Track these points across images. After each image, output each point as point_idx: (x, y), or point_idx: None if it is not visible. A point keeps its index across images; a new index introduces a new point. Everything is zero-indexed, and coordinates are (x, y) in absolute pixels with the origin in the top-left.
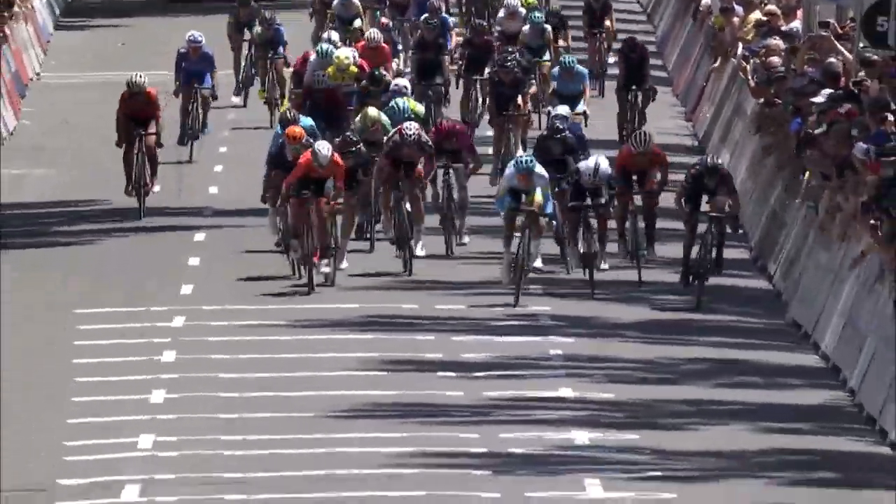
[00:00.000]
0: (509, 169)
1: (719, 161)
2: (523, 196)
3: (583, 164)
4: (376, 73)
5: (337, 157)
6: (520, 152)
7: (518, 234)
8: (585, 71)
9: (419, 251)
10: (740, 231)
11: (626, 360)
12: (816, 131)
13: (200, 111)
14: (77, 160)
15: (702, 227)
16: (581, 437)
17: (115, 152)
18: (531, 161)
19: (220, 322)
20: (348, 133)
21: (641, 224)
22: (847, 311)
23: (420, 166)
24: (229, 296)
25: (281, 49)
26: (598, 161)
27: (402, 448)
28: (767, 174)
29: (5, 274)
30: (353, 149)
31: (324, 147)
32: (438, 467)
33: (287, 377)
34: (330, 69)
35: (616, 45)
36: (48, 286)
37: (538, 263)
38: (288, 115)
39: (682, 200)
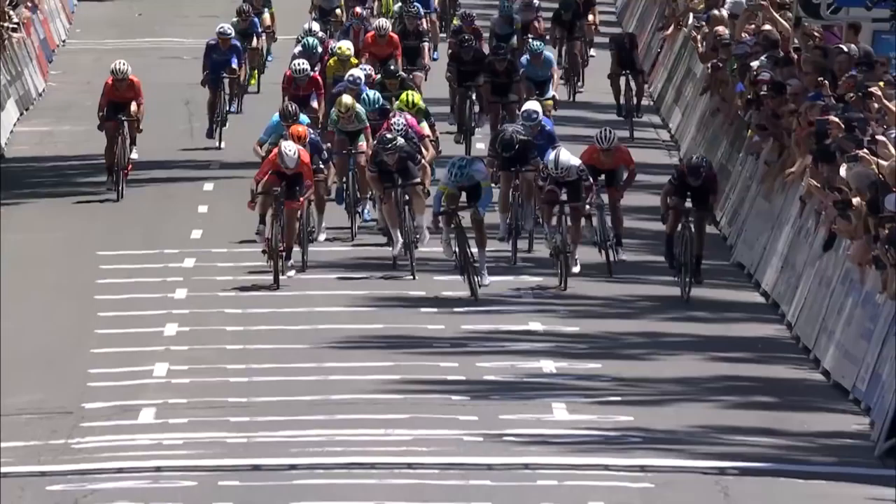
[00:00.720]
0: (446, 174)
1: (703, 160)
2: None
3: (546, 158)
4: (391, 66)
5: (304, 156)
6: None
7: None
8: (553, 57)
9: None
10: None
11: (590, 297)
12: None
13: (226, 96)
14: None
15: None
16: (548, 366)
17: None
18: (465, 163)
19: (227, 263)
20: (383, 132)
21: (608, 218)
22: (785, 254)
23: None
24: (234, 239)
25: (255, 40)
26: (558, 152)
27: (388, 376)
28: (715, 131)
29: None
30: (390, 145)
31: (290, 149)
32: (421, 393)
33: (287, 312)
34: (332, 61)
35: (598, 38)
36: (73, 230)
37: (486, 280)
38: (290, 108)
39: (667, 199)
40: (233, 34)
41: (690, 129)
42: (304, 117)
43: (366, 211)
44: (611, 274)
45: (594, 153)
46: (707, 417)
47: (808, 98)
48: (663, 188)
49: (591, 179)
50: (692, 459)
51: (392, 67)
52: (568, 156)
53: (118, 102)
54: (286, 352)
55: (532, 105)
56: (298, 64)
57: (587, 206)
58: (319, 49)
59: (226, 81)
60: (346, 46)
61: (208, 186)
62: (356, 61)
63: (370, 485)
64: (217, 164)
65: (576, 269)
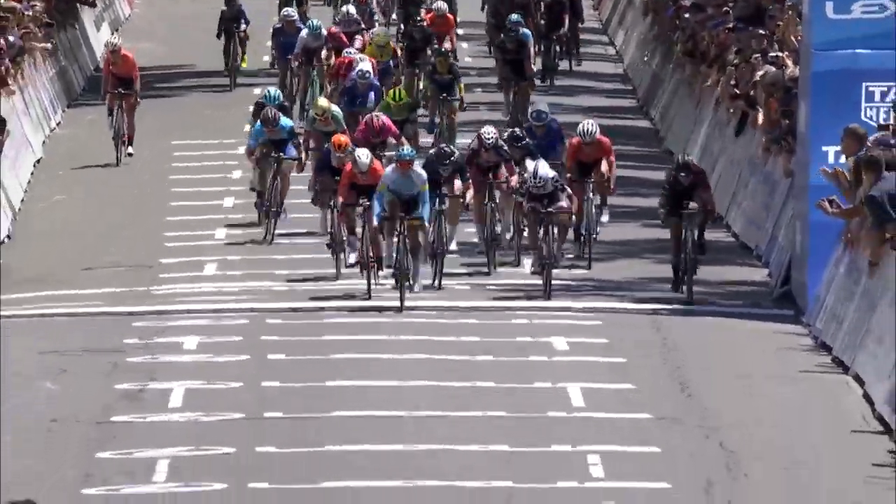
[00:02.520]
0: (390, 167)
1: (690, 158)
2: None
3: (526, 172)
4: (447, 53)
5: (377, 163)
6: (406, 147)
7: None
8: (529, 33)
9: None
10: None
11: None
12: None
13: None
14: (173, 37)
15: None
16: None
17: (202, 30)
18: (412, 152)
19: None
20: (443, 145)
21: (595, 211)
22: (704, 143)
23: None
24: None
25: (243, 23)
26: (537, 165)
27: None
28: (650, 46)
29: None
30: (448, 160)
31: (363, 154)
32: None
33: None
34: (369, 48)
35: None
36: (154, 123)
37: (418, 288)
38: (269, 113)
39: (663, 208)
40: (297, 17)
41: (632, 46)
42: (284, 120)
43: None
44: (589, 266)
45: (578, 147)
46: (645, 272)
47: (715, 23)
48: (658, 201)
49: (567, 189)
50: (632, 303)
51: (444, 48)
52: (546, 168)
53: (119, 77)
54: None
55: (541, 105)
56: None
57: (569, 216)
58: (324, 31)
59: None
60: (382, 33)
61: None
62: (393, 47)
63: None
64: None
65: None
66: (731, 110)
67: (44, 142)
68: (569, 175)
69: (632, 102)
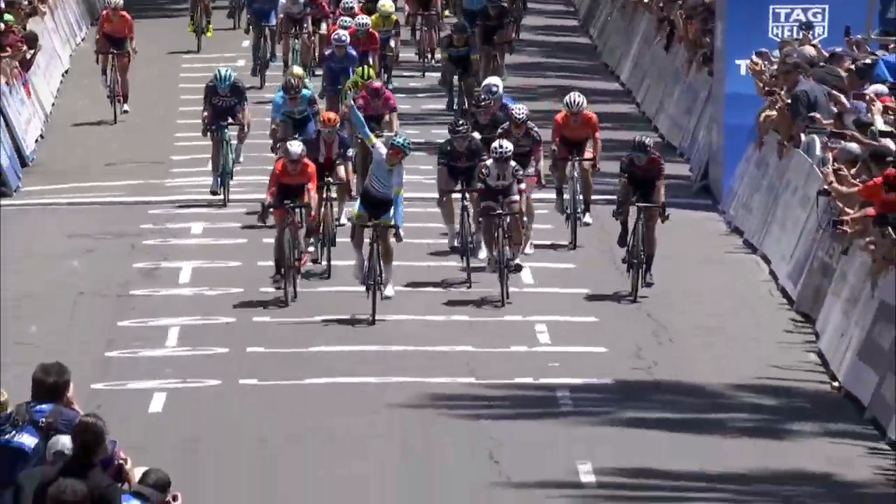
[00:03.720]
0: (380, 144)
1: (648, 140)
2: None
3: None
4: (463, 22)
5: (309, 163)
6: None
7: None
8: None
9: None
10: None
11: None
12: None
13: (269, 43)
14: None
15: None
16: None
17: None
18: (407, 142)
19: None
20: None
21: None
22: (636, 57)
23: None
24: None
25: None
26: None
27: None
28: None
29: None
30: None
31: (296, 144)
32: None
33: None
34: (374, 17)
35: None
36: (164, 43)
37: (389, 292)
38: (291, 80)
39: (623, 193)
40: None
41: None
42: (305, 91)
43: None
44: (574, 246)
45: (564, 120)
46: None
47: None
48: (619, 181)
49: (522, 181)
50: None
51: (461, 23)
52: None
53: (112, 37)
54: None
55: (492, 79)
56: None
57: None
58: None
59: (267, 31)
60: (388, 3)
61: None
62: (396, 17)
63: None
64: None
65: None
66: (660, 30)
67: (70, 55)
68: (554, 149)
69: (573, 22)
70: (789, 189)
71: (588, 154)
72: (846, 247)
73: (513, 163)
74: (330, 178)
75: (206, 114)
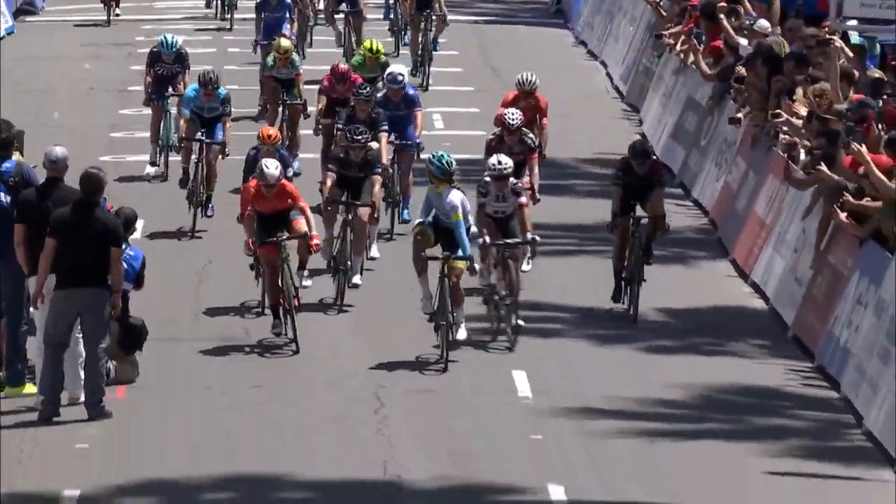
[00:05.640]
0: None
1: (649, 144)
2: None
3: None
4: None
5: (287, 184)
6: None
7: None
8: None
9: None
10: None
11: None
12: None
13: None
14: None
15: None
16: None
17: None
18: (448, 159)
19: None
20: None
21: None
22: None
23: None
24: None
25: None
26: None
27: None
28: None
29: None
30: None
31: (271, 164)
32: None
33: None
34: None
35: None
36: None
37: (462, 335)
38: (210, 74)
39: (617, 204)
40: None
41: None
42: (221, 89)
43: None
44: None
45: (515, 99)
46: None
47: None
48: (612, 189)
49: (520, 190)
50: None
51: None
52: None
53: None
54: None
55: (397, 67)
56: None
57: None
58: None
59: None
60: None
61: None
62: None
63: None
64: None
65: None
66: None
67: None
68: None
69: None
70: (622, 11)
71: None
72: (661, 53)
73: (511, 178)
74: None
75: (148, 79)
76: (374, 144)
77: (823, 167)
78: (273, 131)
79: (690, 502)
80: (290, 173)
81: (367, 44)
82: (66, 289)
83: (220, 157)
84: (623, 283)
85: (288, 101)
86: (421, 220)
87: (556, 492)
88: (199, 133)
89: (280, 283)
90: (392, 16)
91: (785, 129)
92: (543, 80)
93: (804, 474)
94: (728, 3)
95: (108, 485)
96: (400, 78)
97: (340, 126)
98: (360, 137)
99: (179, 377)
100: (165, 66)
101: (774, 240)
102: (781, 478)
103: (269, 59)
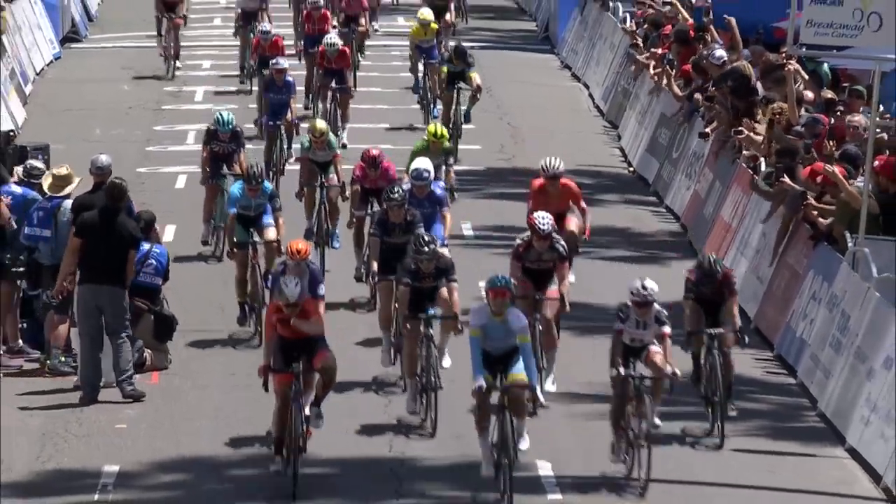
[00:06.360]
0: (478, 306)
1: (715, 259)
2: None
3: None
4: (460, 46)
5: (312, 302)
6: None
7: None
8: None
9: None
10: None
11: None
12: None
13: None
14: None
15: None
16: None
17: None
18: (507, 280)
19: None
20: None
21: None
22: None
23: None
24: None
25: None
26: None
27: None
28: None
29: None
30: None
31: (291, 282)
32: None
33: None
34: (414, 27)
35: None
36: None
37: (524, 445)
38: (254, 169)
39: (689, 321)
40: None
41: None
42: (267, 184)
43: (335, 241)
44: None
45: (540, 190)
46: None
47: None
48: (684, 307)
49: (541, 297)
50: None
51: (460, 47)
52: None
53: (167, 3)
54: None
55: (423, 162)
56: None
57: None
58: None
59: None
60: (426, 13)
61: None
62: (436, 27)
63: None
64: None
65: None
66: None
67: None
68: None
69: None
70: (602, 38)
71: (572, 226)
72: (637, 76)
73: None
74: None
75: (204, 154)
76: (445, 251)
77: (787, 179)
78: (302, 245)
79: (666, 476)
80: (322, 291)
81: (431, 128)
82: (88, 284)
83: (276, 256)
84: (706, 400)
85: (326, 185)
86: (478, 381)
87: (544, 467)
88: (249, 236)
89: (289, 418)
90: (421, 89)
91: (747, 144)
92: (533, 99)
93: (765, 451)
94: (696, 31)
95: (145, 461)
96: (426, 175)
97: (374, 233)
98: (426, 249)
99: (207, 365)
100: (221, 144)
101: (738, 242)
102: (745, 454)
103: (305, 141)
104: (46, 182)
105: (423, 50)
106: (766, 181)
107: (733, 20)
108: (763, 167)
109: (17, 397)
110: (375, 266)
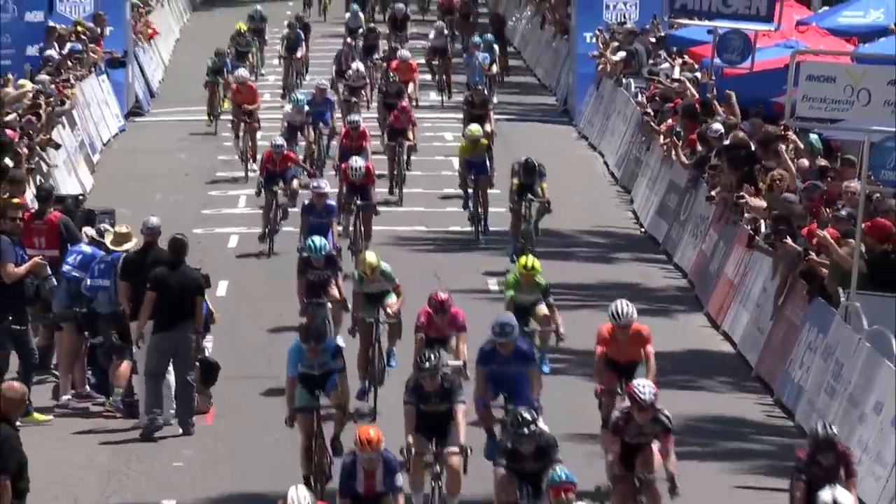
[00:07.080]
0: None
1: (832, 430)
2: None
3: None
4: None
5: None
6: (462, 359)
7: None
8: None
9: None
10: None
11: None
12: None
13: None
14: None
15: None
16: None
17: None
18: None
19: None
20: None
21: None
22: (534, 41)
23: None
24: None
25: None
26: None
27: None
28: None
29: None
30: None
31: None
32: None
33: None
34: (464, 143)
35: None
36: None
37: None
38: (316, 324)
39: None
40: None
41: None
42: (331, 341)
43: (392, 359)
44: None
45: (609, 337)
46: None
47: None
48: (791, 484)
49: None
50: None
51: (530, 162)
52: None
53: (243, 104)
54: None
55: (507, 315)
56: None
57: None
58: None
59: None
60: (475, 128)
61: None
62: (485, 143)
63: None
64: None
65: None
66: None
67: (180, 29)
68: (599, 386)
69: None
70: (616, 112)
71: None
72: (648, 145)
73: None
74: None
75: (300, 284)
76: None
77: (789, 240)
78: (373, 433)
79: None
80: (400, 482)
81: (522, 260)
82: (164, 332)
83: (342, 422)
84: None
85: (381, 320)
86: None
87: None
88: (314, 399)
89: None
90: (471, 205)
91: (747, 208)
92: (552, 167)
93: (764, 488)
94: (701, 105)
95: (201, 497)
96: (509, 329)
97: (408, 401)
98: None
99: (253, 409)
100: (316, 272)
101: (741, 296)
102: (745, 491)
103: (357, 274)
104: (108, 238)
105: (472, 164)
106: (765, 241)
107: (733, 95)
108: (763, 228)
109: (83, 436)
110: (411, 439)
